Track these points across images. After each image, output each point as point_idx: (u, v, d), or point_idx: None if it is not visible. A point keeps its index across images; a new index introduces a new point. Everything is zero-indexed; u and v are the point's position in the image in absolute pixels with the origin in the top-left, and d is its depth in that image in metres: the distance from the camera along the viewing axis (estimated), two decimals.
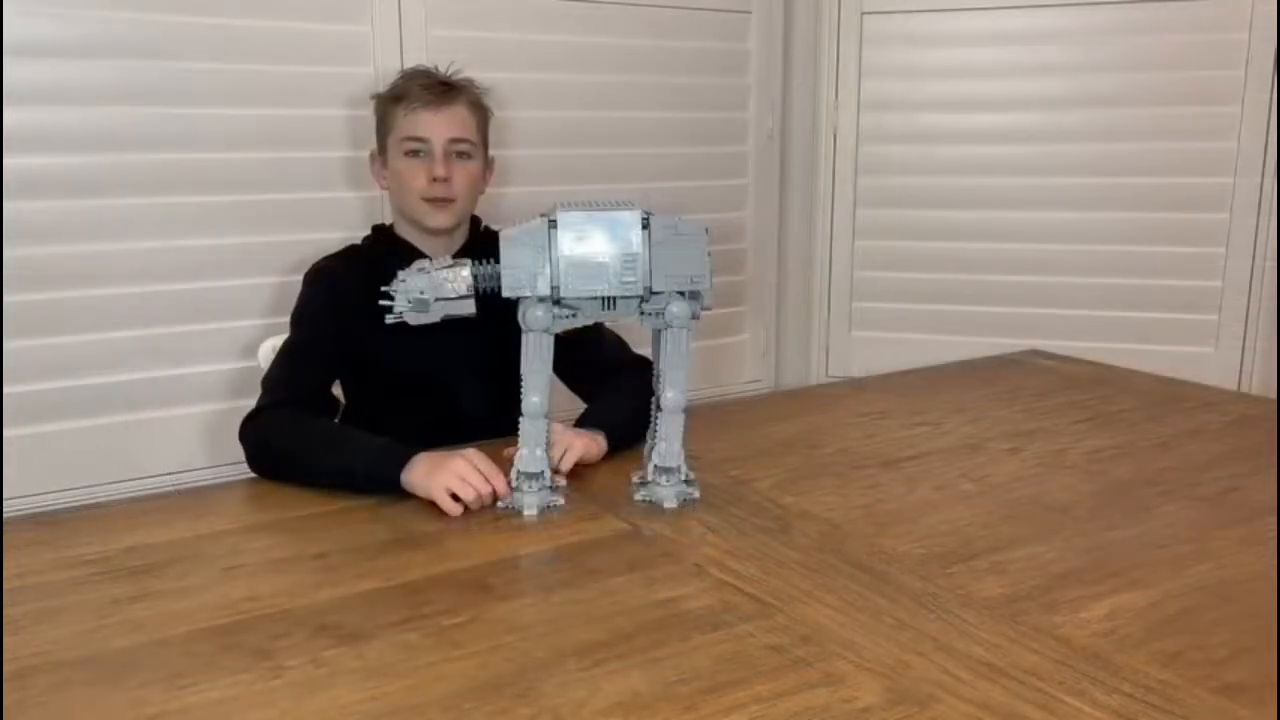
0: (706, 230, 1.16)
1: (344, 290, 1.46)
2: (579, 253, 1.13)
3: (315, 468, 1.25)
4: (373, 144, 1.56)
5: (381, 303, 1.15)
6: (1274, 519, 1.15)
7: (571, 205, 1.15)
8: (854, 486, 1.26)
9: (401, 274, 1.15)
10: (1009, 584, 0.99)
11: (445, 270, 1.15)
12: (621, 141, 2.54)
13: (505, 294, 1.14)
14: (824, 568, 1.03)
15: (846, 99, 2.79)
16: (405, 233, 1.52)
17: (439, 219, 1.48)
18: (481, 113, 1.54)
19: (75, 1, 1.91)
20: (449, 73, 1.54)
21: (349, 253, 1.55)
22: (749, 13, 2.70)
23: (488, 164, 1.56)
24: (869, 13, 2.73)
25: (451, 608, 0.95)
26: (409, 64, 1.68)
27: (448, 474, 1.17)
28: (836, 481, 1.28)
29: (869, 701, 0.79)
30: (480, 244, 1.53)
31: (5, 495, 1.91)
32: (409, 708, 0.79)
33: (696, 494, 1.21)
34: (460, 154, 1.49)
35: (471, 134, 1.50)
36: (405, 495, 1.19)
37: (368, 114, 1.60)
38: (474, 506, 1.17)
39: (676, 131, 2.63)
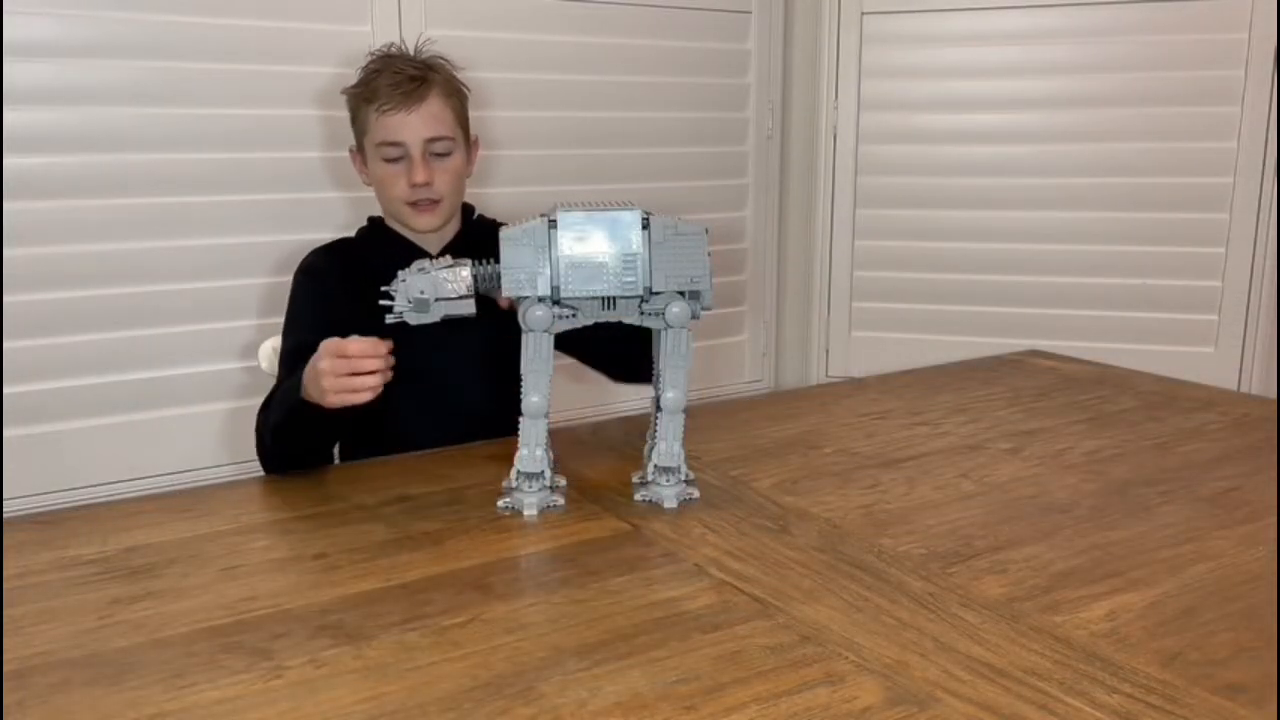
0: (706, 230, 1.16)
1: (327, 288, 1.45)
2: (579, 253, 1.13)
3: (279, 436, 1.28)
4: (351, 140, 1.50)
5: (382, 302, 1.15)
6: (1274, 519, 1.15)
7: (571, 205, 1.15)
8: (854, 486, 1.26)
9: (401, 274, 1.15)
10: (1009, 584, 0.99)
11: (445, 270, 1.15)
12: (621, 141, 2.55)
13: (505, 294, 1.14)
14: (824, 568, 1.03)
15: (846, 99, 2.79)
16: (396, 225, 1.50)
17: (425, 221, 1.45)
18: (457, 98, 1.46)
19: (75, 1, 1.91)
20: (418, 50, 1.47)
21: (338, 246, 1.52)
22: (749, 13, 2.71)
23: (472, 145, 1.50)
24: (869, 13, 2.73)
25: (451, 608, 0.95)
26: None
27: (328, 384, 1.16)
28: (836, 481, 1.28)
29: (869, 701, 0.79)
30: (474, 230, 1.52)
31: (5, 495, 1.91)
32: (409, 708, 0.79)
33: (696, 494, 1.21)
34: (438, 153, 1.43)
35: (448, 128, 1.43)
36: (402, 487, 1.20)
37: None
38: (376, 382, 1.16)
39: (676, 131, 2.63)
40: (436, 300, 1.14)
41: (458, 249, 1.47)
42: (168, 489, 1.36)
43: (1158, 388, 1.72)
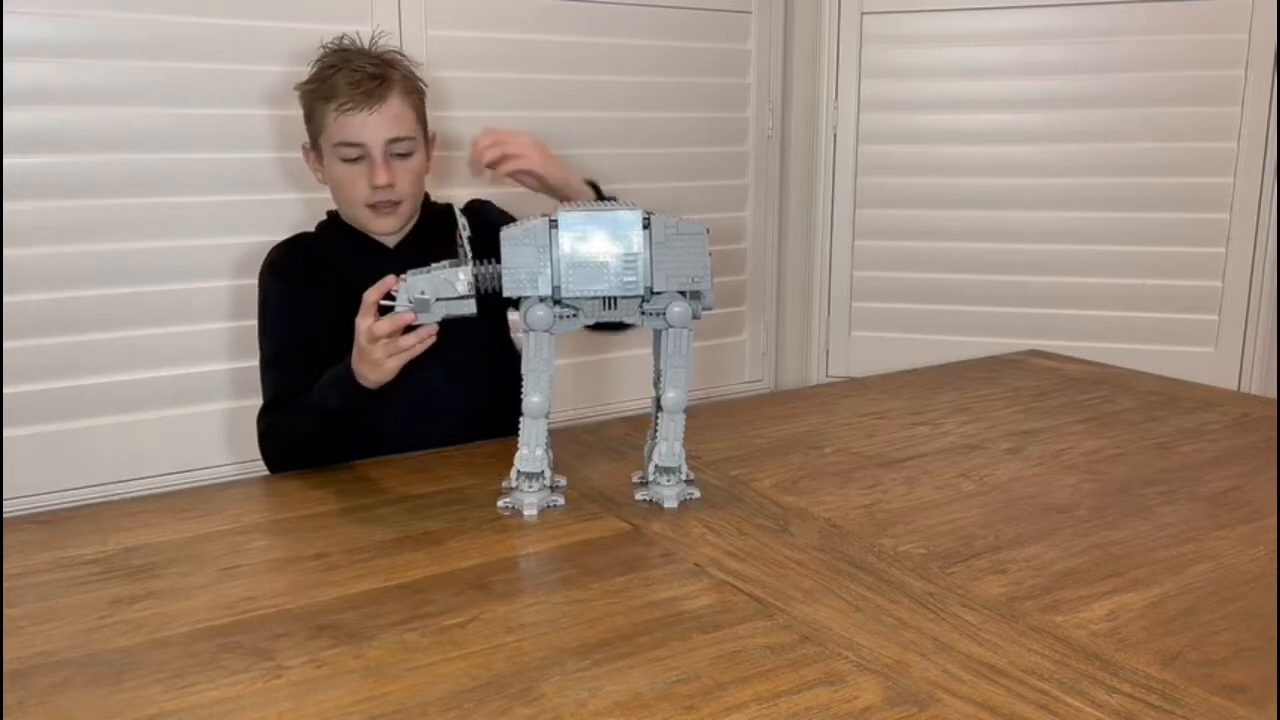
0: (707, 230, 1.16)
1: (296, 284, 1.44)
2: (580, 252, 1.13)
3: (308, 433, 1.29)
4: (304, 137, 1.47)
5: (383, 302, 1.15)
6: (1274, 519, 1.15)
7: (572, 205, 1.15)
8: (854, 486, 1.26)
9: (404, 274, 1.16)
10: (1009, 584, 0.99)
11: (447, 270, 1.15)
12: (622, 141, 2.54)
13: (506, 294, 1.14)
14: (824, 568, 1.03)
15: (846, 99, 2.79)
16: (353, 220, 1.47)
17: (386, 224, 1.42)
18: (417, 95, 1.42)
19: (75, 1, 1.91)
20: (373, 44, 1.44)
21: (298, 240, 1.51)
22: (749, 13, 2.70)
23: (430, 143, 1.47)
24: (869, 13, 2.73)
25: (451, 608, 0.95)
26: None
27: (376, 359, 1.17)
28: (836, 481, 1.28)
29: (869, 701, 0.79)
30: (432, 216, 1.50)
31: (5, 495, 1.91)
32: (409, 708, 0.79)
33: (697, 494, 1.21)
34: (400, 153, 1.39)
35: (409, 128, 1.39)
36: (402, 487, 1.19)
37: None
38: (421, 337, 1.16)
39: (676, 131, 2.63)
40: (437, 300, 1.14)
41: (414, 240, 1.47)
42: (168, 489, 1.36)
43: (1158, 388, 1.72)
